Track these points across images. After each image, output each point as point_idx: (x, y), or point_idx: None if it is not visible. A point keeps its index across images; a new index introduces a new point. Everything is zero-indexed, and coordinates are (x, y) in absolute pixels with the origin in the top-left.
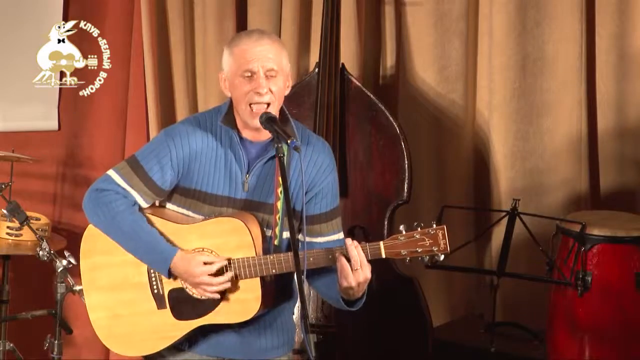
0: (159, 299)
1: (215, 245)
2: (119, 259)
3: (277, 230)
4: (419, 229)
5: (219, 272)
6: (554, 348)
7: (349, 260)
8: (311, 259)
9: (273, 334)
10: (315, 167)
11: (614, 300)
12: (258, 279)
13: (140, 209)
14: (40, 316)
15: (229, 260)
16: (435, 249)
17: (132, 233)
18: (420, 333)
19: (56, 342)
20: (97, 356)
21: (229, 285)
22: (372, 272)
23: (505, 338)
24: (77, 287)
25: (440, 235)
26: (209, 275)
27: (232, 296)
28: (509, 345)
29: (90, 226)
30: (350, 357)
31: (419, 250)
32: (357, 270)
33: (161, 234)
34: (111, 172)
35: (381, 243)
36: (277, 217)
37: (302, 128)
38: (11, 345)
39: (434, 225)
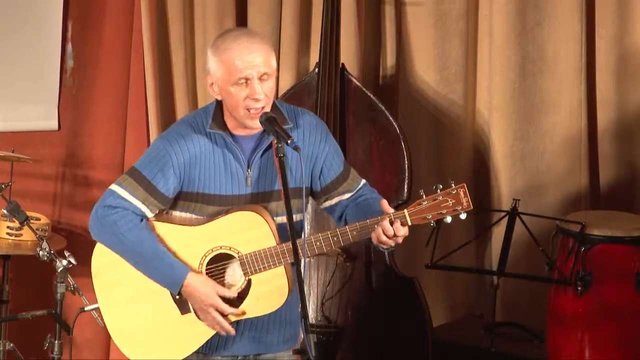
0: (181, 305)
1: (233, 241)
2: (132, 272)
3: None
4: (438, 191)
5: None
6: (554, 348)
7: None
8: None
9: (281, 328)
10: (311, 144)
11: (614, 300)
12: (282, 266)
13: (148, 221)
14: (40, 316)
15: (245, 255)
16: (459, 208)
17: (140, 254)
18: (420, 333)
19: (56, 342)
20: (97, 356)
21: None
22: (372, 272)
23: (505, 338)
24: (90, 307)
25: (462, 193)
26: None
27: (257, 288)
28: (509, 345)
29: (99, 244)
30: (351, 357)
31: (444, 212)
32: (395, 237)
33: (172, 252)
34: (114, 187)
35: (405, 211)
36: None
37: (288, 108)
38: (11, 345)
39: (453, 185)
